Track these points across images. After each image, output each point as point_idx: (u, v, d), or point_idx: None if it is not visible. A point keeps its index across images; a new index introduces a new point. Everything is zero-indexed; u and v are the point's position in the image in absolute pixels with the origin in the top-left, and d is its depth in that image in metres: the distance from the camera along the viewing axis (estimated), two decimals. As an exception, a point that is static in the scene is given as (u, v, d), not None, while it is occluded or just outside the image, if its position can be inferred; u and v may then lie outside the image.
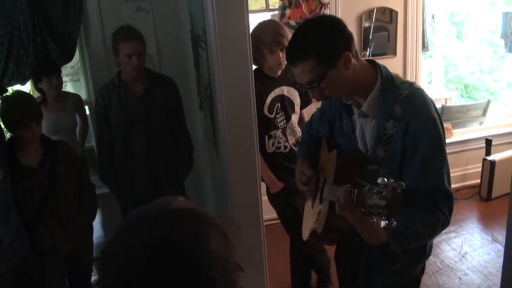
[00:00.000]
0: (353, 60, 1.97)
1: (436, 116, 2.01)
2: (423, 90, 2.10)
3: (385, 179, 1.74)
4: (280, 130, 3.48)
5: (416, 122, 1.96)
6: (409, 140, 1.97)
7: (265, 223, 3.10)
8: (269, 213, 3.70)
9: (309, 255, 3.88)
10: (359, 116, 2.13)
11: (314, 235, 2.28)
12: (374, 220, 1.78)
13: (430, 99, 2.07)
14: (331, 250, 3.95)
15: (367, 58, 2.18)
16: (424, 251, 2.27)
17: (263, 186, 3.40)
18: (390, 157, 2.03)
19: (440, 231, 2.07)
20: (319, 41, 1.96)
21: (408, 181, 1.94)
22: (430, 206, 1.98)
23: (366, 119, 2.12)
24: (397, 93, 2.01)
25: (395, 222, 1.75)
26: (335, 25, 2.00)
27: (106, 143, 3.70)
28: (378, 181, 1.75)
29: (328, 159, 2.32)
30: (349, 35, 2.00)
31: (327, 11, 4.73)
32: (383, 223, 1.75)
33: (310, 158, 2.50)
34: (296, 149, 3.55)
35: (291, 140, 3.54)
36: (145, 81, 3.55)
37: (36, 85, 4.03)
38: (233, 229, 1.14)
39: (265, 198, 3.35)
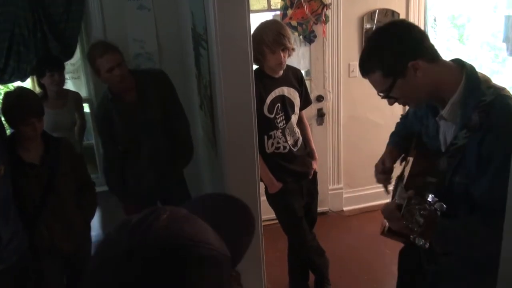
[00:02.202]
0: (427, 66, 1.89)
1: None
2: None
3: (433, 196, 1.75)
4: (280, 130, 3.47)
5: (493, 134, 1.82)
6: (484, 152, 1.84)
7: (263, 223, 3.10)
8: (267, 213, 3.69)
9: (307, 256, 3.88)
10: (440, 119, 2.05)
11: (384, 231, 2.26)
12: (411, 237, 1.81)
13: None
14: (329, 251, 3.96)
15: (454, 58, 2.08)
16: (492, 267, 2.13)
17: (262, 186, 3.40)
18: (464, 169, 1.92)
19: None
20: (382, 55, 1.93)
21: (477, 193, 1.88)
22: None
23: (448, 123, 2.03)
24: (479, 99, 1.87)
25: (427, 244, 1.77)
26: (399, 33, 1.95)
27: (114, 160, 3.65)
28: (427, 198, 1.77)
29: (411, 158, 2.30)
30: (417, 41, 1.92)
31: (329, 12, 4.73)
32: (421, 242, 1.78)
33: (399, 150, 2.48)
34: (295, 150, 3.56)
35: (290, 141, 3.53)
36: (135, 86, 3.47)
37: (38, 80, 4.04)
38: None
39: (263, 198, 3.34)
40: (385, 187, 2.43)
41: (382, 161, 2.43)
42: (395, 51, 1.91)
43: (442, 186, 1.98)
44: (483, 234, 1.88)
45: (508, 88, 1.93)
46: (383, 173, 2.38)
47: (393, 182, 2.43)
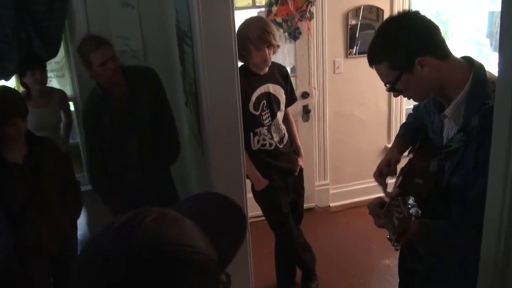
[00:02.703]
0: (435, 62, 1.84)
1: None
2: None
3: (413, 199, 1.77)
4: (265, 127, 3.47)
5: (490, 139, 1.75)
6: (481, 155, 1.77)
7: (250, 220, 3.10)
8: (254, 210, 3.70)
9: (294, 252, 3.88)
10: (443, 117, 2.00)
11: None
12: (388, 237, 1.84)
13: None
14: (316, 247, 3.97)
15: (464, 55, 1.94)
16: None
17: (248, 183, 3.40)
18: (462, 170, 1.88)
19: None
20: (391, 47, 1.88)
21: (471, 195, 1.85)
22: None
23: (451, 122, 1.98)
24: (483, 102, 1.81)
25: (399, 247, 1.81)
26: (413, 27, 1.87)
27: (100, 158, 3.61)
28: (408, 201, 1.79)
29: (414, 153, 2.29)
30: (430, 36, 1.86)
31: (314, 9, 4.73)
32: (395, 244, 1.82)
33: (408, 142, 2.44)
34: (281, 147, 3.56)
35: (276, 138, 3.53)
36: (126, 81, 3.45)
37: (20, 80, 4.01)
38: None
39: (250, 195, 3.35)
40: (384, 189, 2.42)
41: (387, 162, 2.39)
42: (406, 45, 1.86)
43: (440, 187, 1.96)
44: (475, 237, 1.80)
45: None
46: (384, 176, 2.37)
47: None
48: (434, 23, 1.89)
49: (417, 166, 2.19)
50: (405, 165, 2.32)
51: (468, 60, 1.93)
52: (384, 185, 2.38)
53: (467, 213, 1.88)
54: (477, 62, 1.91)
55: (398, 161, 2.42)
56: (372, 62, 1.96)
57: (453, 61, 1.91)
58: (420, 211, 1.77)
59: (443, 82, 1.89)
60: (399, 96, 2.10)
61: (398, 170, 2.40)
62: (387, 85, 1.95)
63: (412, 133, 2.46)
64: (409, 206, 1.80)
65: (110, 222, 0.90)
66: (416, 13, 1.91)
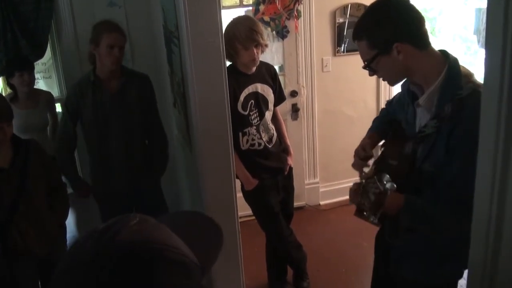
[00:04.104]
0: (412, 51, 1.94)
1: None
2: None
3: (388, 177, 1.91)
4: (254, 127, 3.46)
5: (462, 127, 1.86)
6: (452, 144, 1.90)
7: (240, 220, 3.09)
8: (244, 209, 3.69)
9: (285, 251, 3.88)
10: (417, 106, 2.10)
11: (355, 212, 2.31)
12: (365, 214, 2.01)
13: None
14: (306, 245, 3.97)
15: (441, 48, 2.04)
16: (453, 251, 2.12)
17: (238, 183, 3.39)
18: (434, 157, 1.98)
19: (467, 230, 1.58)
20: (372, 27, 1.99)
21: (441, 182, 1.96)
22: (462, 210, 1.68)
23: (424, 111, 2.07)
24: (456, 92, 1.91)
25: (375, 221, 1.94)
26: (397, 12, 1.97)
27: (69, 141, 3.61)
28: (383, 178, 1.92)
29: (386, 141, 2.40)
30: (412, 24, 1.95)
31: (301, 7, 4.73)
32: (372, 218, 1.96)
33: (380, 135, 2.53)
34: (270, 146, 3.55)
35: (265, 137, 3.53)
36: (120, 78, 3.50)
37: (8, 81, 3.98)
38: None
39: (240, 195, 3.34)
40: (360, 174, 2.45)
41: (362, 147, 2.47)
42: (386, 29, 1.95)
43: (412, 173, 2.07)
44: (446, 220, 1.99)
45: (480, 79, 1.92)
46: (363, 159, 2.42)
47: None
48: (420, 13, 1.98)
49: (389, 152, 2.29)
50: (378, 157, 2.37)
51: (443, 53, 2.03)
52: (361, 170, 2.43)
53: (439, 198, 1.98)
54: (452, 56, 2.01)
55: (373, 146, 2.50)
56: (355, 37, 2.07)
57: (430, 52, 2.01)
58: (395, 185, 1.91)
59: (416, 70, 2.00)
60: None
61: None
62: (365, 62, 2.06)
63: (385, 126, 2.53)
64: (385, 182, 1.94)
65: (93, 228, 0.89)
66: (400, 1, 2.01)
